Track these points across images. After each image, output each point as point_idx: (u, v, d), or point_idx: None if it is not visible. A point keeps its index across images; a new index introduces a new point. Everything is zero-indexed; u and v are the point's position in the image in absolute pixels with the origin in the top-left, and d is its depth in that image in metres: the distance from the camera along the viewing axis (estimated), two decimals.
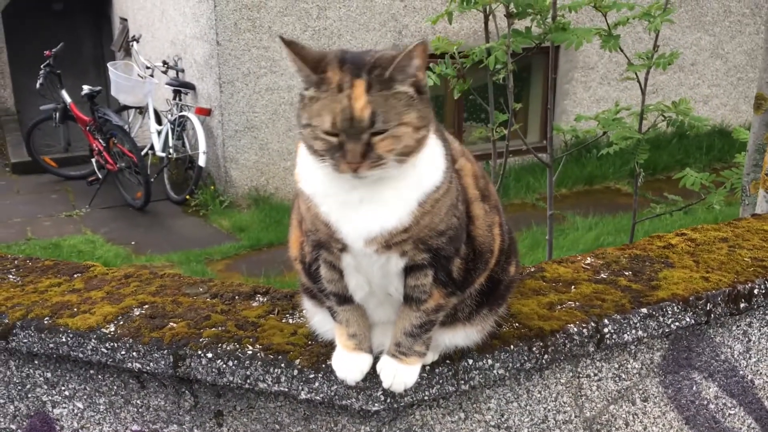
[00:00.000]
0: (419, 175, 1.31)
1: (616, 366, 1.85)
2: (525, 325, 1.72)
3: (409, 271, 1.40)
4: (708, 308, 1.87)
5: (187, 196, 7.92)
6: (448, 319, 1.53)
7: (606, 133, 3.41)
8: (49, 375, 1.81)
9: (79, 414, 1.82)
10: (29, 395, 1.84)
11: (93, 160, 8.39)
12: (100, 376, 1.78)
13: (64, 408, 1.83)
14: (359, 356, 1.52)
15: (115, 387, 1.77)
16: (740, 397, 2.06)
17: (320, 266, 1.46)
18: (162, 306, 1.81)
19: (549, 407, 1.79)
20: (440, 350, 1.59)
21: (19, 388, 1.84)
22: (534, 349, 1.68)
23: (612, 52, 3.26)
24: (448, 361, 1.60)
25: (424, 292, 1.42)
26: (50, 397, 1.83)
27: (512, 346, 1.66)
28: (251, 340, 1.67)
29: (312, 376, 1.57)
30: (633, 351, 1.85)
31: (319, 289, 1.51)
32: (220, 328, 1.71)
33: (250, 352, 1.62)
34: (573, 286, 1.91)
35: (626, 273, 1.98)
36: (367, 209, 1.31)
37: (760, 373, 2.06)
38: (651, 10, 3.35)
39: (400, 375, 1.50)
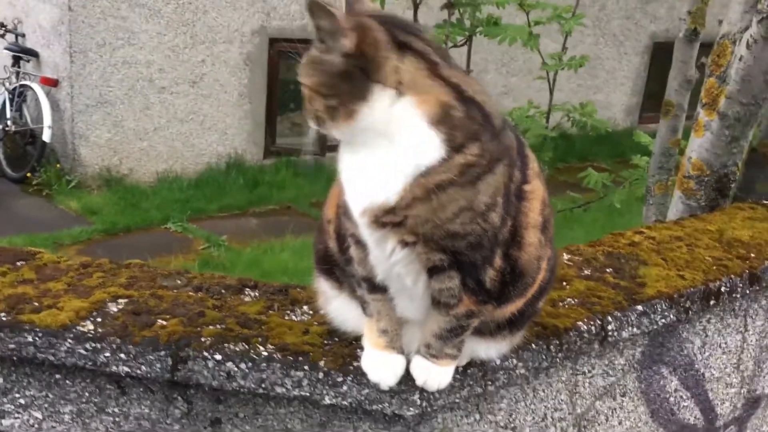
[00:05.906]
0: (398, 153, 1.22)
1: (606, 363, 1.86)
2: (538, 323, 1.68)
3: (431, 272, 1.31)
4: (687, 305, 1.94)
5: (28, 174, 7.22)
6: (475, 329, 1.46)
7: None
8: (0, 380, 1.54)
9: (36, 425, 1.56)
10: None
11: None
12: (68, 381, 1.53)
13: (17, 419, 1.56)
14: (392, 357, 1.41)
15: (87, 393, 1.53)
16: (693, 390, 2.16)
17: (351, 246, 1.35)
18: (143, 301, 1.59)
19: (549, 405, 1.77)
20: (473, 356, 1.52)
21: None
22: (551, 347, 1.65)
23: (533, 50, 3.34)
24: (478, 362, 1.53)
25: (453, 296, 1.33)
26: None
27: (533, 345, 1.61)
28: (260, 339, 1.50)
29: (340, 379, 1.44)
30: (621, 348, 1.88)
31: (349, 274, 1.42)
32: (219, 326, 1.53)
33: (265, 354, 1.45)
34: (564, 282, 1.90)
35: (608, 270, 2.00)
36: (366, 176, 1.25)
37: (710, 366, 2.17)
38: (562, 12, 3.47)
39: (434, 374, 1.42)
